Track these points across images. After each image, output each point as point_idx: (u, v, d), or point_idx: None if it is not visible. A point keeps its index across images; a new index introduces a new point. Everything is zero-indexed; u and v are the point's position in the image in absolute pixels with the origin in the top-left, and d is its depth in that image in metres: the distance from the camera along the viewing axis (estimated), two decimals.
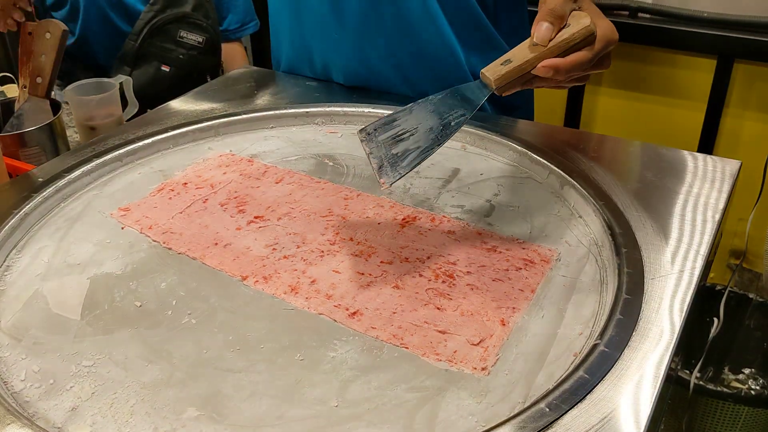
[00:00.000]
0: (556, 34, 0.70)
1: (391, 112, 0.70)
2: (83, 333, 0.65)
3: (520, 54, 0.70)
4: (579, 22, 0.70)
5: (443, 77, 1.03)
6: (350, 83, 1.09)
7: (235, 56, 1.86)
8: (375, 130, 0.69)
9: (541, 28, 0.69)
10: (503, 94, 0.71)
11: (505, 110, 1.09)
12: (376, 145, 0.68)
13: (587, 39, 0.70)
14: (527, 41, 0.70)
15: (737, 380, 1.68)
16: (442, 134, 0.68)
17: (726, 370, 1.69)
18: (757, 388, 1.65)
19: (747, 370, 1.69)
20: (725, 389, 1.48)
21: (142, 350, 0.62)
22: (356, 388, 0.58)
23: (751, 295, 1.69)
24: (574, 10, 0.71)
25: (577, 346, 0.62)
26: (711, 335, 1.52)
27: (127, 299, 0.69)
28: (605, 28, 0.71)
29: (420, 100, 0.70)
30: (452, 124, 0.68)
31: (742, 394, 1.48)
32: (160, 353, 0.62)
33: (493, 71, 0.69)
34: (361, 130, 0.69)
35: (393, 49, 1.03)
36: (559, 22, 0.70)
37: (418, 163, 0.67)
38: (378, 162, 0.68)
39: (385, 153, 0.68)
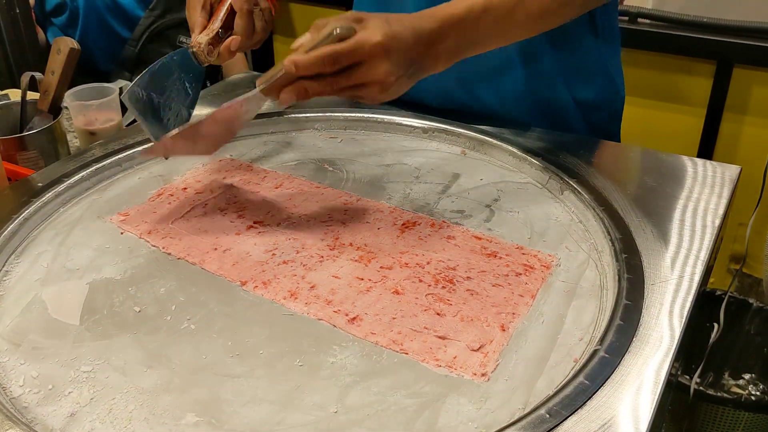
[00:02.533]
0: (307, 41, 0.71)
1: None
2: (82, 338, 0.65)
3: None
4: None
5: (544, 102, 1.01)
6: (445, 106, 1.03)
7: (234, 61, 1.86)
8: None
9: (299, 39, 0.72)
10: (271, 97, 0.73)
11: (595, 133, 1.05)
12: None
13: (330, 41, 0.69)
14: None
15: (737, 385, 1.68)
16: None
17: (726, 375, 1.69)
18: (757, 393, 1.64)
19: (747, 376, 1.69)
20: (725, 395, 1.47)
21: (141, 355, 0.62)
22: (356, 394, 0.58)
23: (751, 301, 1.69)
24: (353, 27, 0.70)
25: (577, 351, 0.62)
26: (711, 340, 1.52)
27: (126, 304, 0.69)
28: (367, 32, 0.69)
29: None
30: None
31: (742, 399, 1.48)
32: (159, 359, 0.62)
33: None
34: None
35: (493, 70, 1.00)
36: (313, 33, 0.71)
37: None
38: None
39: None
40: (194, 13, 0.88)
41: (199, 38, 0.85)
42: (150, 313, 0.67)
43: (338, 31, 0.69)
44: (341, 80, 0.71)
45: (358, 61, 0.69)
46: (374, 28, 0.70)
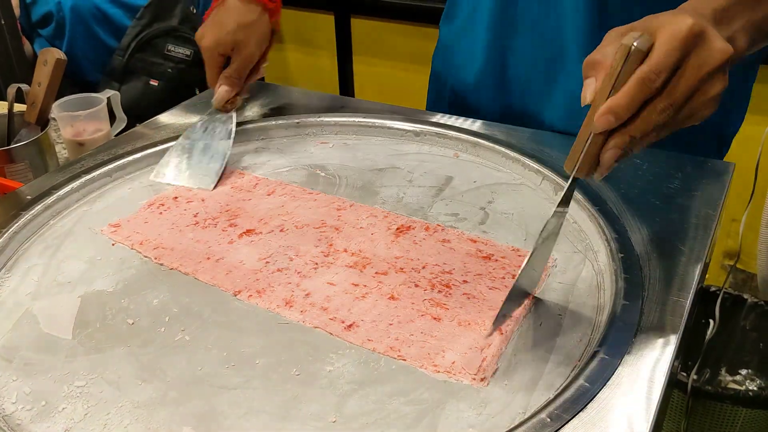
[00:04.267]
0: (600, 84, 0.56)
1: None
2: (75, 352, 0.64)
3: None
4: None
5: None
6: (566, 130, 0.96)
7: None
8: None
9: (583, 90, 0.57)
10: (595, 178, 0.60)
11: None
12: None
13: (633, 60, 0.54)
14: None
15: (735, 381, 1.68)
16: None
17: (723, 371, 1.69)
18: (755, 388, 1.64)
19: (744, 371, 1.69)
20: (723, 391, 1.47)
21: (135, 369, 0.61)
22: (354, 403, 0.57)
23: (745, 296, 1.69)
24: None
25: (576, 353, 0.61)
26: (707, 337, 1.52)
27: (119, 317, 0.68)
28: (669, 26, 0.54)
29: None
30: None
31: (740, 395, 1.47)
32: (154, 371, 0.61)
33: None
34: None
35: None
36: (599, 70, 0.56)
37: None
38: None
39: None
40: (212, 74, 0.98)
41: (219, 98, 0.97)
42: (143, 325, 0.66)
43: (637, 44, 0.53)
44: (673, 94, 0.54)
45: (678, 61, 0.53)
46: (672, 18, 0.54)
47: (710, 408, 1.49)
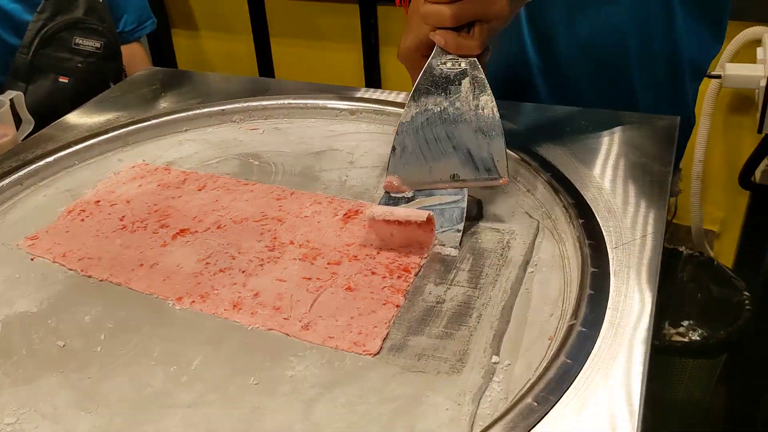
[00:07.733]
0: None
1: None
2: (0, 385, 0.57)
3: None
4: None
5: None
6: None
7: (135, 58, 1.76)
8: None
9: None
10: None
11: None
12: None
13: None
14: None
15: (678, 333, 1.71)
16: None
17: (666, 324, 1.72)
18: (698, 338, 1.68)
19: (686, 323, 1.72)
20: (669, 344, 1.49)
21: (72, 397, 0.55)
22: (322, 408, 0.52)
23: (680, 248, 1.71)
24: None
25: (550, 329, 0.58)
26: None
27: (48, 340, 0.61)
28: None
29: None
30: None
31: (687, 347, 1.50)
32: (95, 398, 0.55)
33: None
34: None
35: None
36: None
37: None
38: None
39: None
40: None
41: None
42: (76, 346, 0.60)
43: None
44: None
45: None
46: None
47: (659, 363, 1.50)
